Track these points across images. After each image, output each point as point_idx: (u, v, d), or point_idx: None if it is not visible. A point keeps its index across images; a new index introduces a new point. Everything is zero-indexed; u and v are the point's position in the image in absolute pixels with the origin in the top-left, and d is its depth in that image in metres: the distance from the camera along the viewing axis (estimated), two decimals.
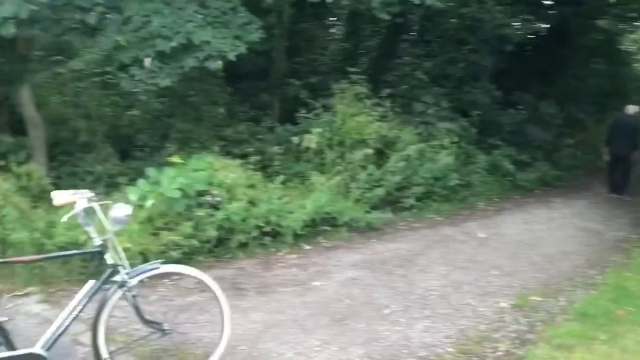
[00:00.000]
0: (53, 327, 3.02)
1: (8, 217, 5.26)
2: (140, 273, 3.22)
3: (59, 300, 4.57)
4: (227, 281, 5.26)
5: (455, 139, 8.75)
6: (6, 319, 4.22)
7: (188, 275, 3.47)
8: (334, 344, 4.06)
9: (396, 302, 4.85)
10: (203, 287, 3.51)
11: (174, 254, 5.23)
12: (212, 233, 5.53)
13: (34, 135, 7.28)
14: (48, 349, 2.95)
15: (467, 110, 10.40)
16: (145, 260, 5.02)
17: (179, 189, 5.30)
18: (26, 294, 4.78)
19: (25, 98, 7.05)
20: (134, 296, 3.19)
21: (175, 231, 5.36)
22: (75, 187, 6.67)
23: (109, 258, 3.13)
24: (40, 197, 6.07)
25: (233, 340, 4.02)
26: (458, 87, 11.14)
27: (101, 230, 3.17)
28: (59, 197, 3.04)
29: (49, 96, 8.53)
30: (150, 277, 3.35)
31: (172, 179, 5.35)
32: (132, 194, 5.27)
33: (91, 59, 9.68)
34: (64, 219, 3.10)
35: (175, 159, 5.97)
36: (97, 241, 3.11)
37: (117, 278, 3.13)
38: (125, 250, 4.69)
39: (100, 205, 3.13)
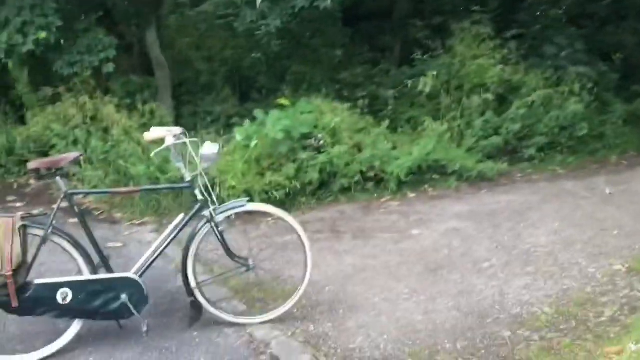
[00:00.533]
0: (146, 255, 3.24)
1: (130, 151, 5.68)
2: (227, 209, 3.32)
3: None
4: (326, 223, 5.32)
5: (589, 85, 7.95)
6: (121, 244, 4.66)
7: (273, 215, 3.52)
8: (423, 293, 3.96)
9: (497, 256, 4.61)
10: (287, 228, 3.55)
11: (277, 194, 5.36)
12: (314, 176, 5.58)
13: (159, 76, 7.71)
14: (141, 275, 3.17)
15: (610, 53, 9.38)
16: (249, 198, 5.21)
17: (282, 130, 5.36)
18: (142, 223, 5.18)
19: (152, 39, 7.43)
20: (221, 231, 3.31)
21: (279, 172, 5.47)
22: (195, 126, 7.06)
23: (198, 194, 3.26)
24: None
25: (322, 280, 4.10)
26: (600, 28, 10.04)
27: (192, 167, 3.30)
28: (149, 133, 3.18)
29: (178, 38, 8.91)
30: (238, 214, 3.42)
31: (277, 120, 5.43)
32: (239, 134, 5.43)
33: (220, 1, 9.96)
34: (153, 154, 3.27)
35: (284, 101, 6.04)
36: (187, 177, 3.24)
37: (205, 213, 3.25)
38: (231, 188, 4.92)
39: (191, 142, 3.23)
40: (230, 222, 3.47)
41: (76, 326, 3.10)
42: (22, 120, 6.82)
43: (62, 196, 3.07)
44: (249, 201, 5.02)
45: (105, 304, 3.05)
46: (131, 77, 7.60)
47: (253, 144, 5.34)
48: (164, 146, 3.14)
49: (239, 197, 5.18)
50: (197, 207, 3.27)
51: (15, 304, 2.86)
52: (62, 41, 5.72)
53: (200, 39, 9.14)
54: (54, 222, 3.00)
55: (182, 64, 8.29)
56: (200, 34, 9.30)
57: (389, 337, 3.36)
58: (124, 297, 3.07)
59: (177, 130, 3.27)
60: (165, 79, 7.67)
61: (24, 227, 2.87)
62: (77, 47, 5.73)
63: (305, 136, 5.82)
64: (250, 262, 3.43)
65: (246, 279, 3.97)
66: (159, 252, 3.25)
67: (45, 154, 6.19)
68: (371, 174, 5.98)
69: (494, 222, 5.38)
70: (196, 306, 3.35)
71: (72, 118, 6.08)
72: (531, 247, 4.81)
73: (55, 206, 3.07)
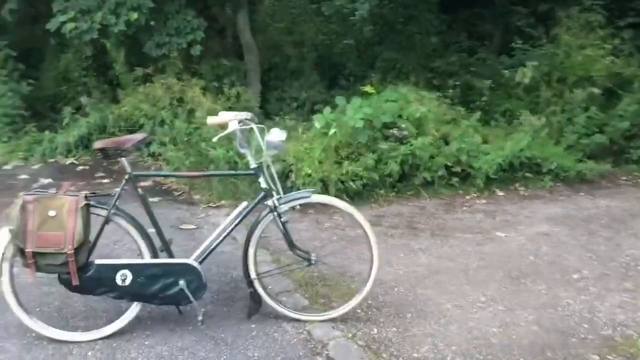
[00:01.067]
0: (207, 242, 3.16)
1: (212, 134, 5.68)
2: (291, 200, 3.17)
3: None
4: (403, 218, 5.07)
5: None
6: (195, 227, 4.66)
7: (338, 208, 3.33)
8: (501, 302, 3.64)
9: (590, 268, 4.17)
10: (354, 222, 3.35)
11: (353, 184, 5.17)
12: (394, 167, 5.33)
13: (248, 60, 7.71)
14: (200, 262, 3.10)
15: None
16: (325, 187, 5.06)
17: (363, 119, 5.14)
18: (218, 207, 5.18)
19: (243, 23, 7.43)
20: (284, 222, 3.17)
21: (357, 162, 5.27)
22: (280, 111, 6.99)
23: (262, 182, 3.13)
24: None
25: (392, 280, 3.88)
26: None
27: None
28: (212, 117, 3.08)
29: (271, 22, 8.89)
30: (302, 206, 3.26)
31: (358, 108, 5.22)
32: (318, 121, 5.28)
33: None
34: (215, 139, 3.18)
35: (368, 88, 5.81)
36: (253, 164, 3.12)
37: (269, 202, 3.12)
38: (306, 176, 4.78)
39: (258, 128, 3.10)
40: (296, 213, 3.29)
41: (135, 308, 3.08)
42: (117, 100, 7.05)
43: (125, 177, 3.04)
44: (321, 191, 4.98)
45: (163, 289, 3.01)
46: (221, 60, 7.65)
47: (331, 132, 5.16)
48: (226, 131, 3.04)
49: (314, 185, 5.06)
50: (260, 195, 3.15)
51: (75, 282, 2.87)
52: (152, 22, 5.81)
53: (293, 24, 9.06)
54: (117, 203, 2.99)
55: (272, 49, 8.26)
56: (292, 18, 9.23)
57: (458, 349, 3.10)
58: (182, 283, 3.01)
59: (245, 115, 3.15)
60: (254, 63, 7.66)
61: (87, 206, 2.86)
62: (167, 29, 5.80)
63: (388, 125, 5.57)
64: (313, 256, 3.26)
65: (312, 272, 3.84)
66: (219, 239, 3.16)
67: (132, 133, 6.37)
68: (457, 168, 5.65)
69: (590, 228, 4.91)
70: (256, 298, 3.24)
71: (160, 99, 6.20)
72: (631, 260, 4.33)
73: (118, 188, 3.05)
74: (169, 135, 5.96)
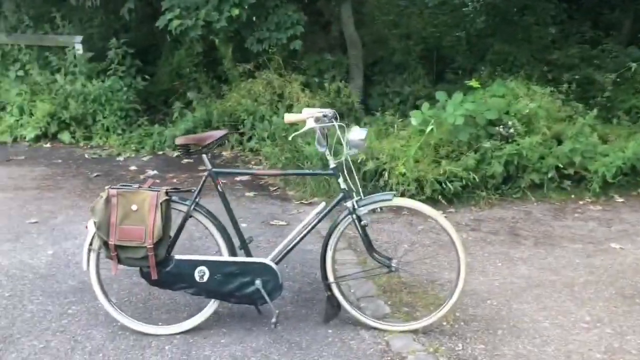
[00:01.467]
0: (284, 243, 3.08)
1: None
2: (371, 202, 3.00)
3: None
4: (505, 223, 4.72)
5: None
6: (285, 223, 4.62)
7: (422, 213, 3.11)
8: (609, 324, 3.24)
9: None
10: (439, 228, 3.12)
11: (452, 185, 4.88)
12: (498, 168, 4.96)
13: (352, 54, 7.59)
14: (277, 262, 3.02)
15: None
16: (420, 188, 4.84)
17: (463, 115, 4.83)
18: (310, 204, 5.11)
19: (346, 16, 7.31)
20: (363, 225, 3.01)
21: (457, 162, 4.98)
22: (381, 106, 6.80)
23: (341, 182, 3.00)
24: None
25: (485, 291, 3.60)
26: None
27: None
28: (289, 115, 2.99)
29: (377, 16, 8.71)
30: (383, 209, 3.09)
31: (458, 104, 4.91)
32: (414, 117, 5.04)
33: None
34: (291, 137, 3.08)
35: (474, 82, 5.47)
36: (332, 163, 2.99)
37: (348, 204, 2.98)
38: (400, 175, 4.58)
39: (339, 126, 2.96)
40: (389, 214, 3.12)
41: (213, 305, 3.08)
42: (222, 95, 7.22)
43: (206, 174, 3.03)
44: (416, 191, 4.75)
45: (240, 288, 2.97)
46: (324, 55, 7.59)
47: (429, 129, 4.91)
48: (303, 129, 2.93)
49: (408, 185, 4.85)
50: (339, 196, 3.02)
51: (154, 276, 2.91)
52: (254, 18, 5.85)
53: (400, 16, 8.81)
54: (197, 199, 2.99)
55: (377, 43, 8.06)
56: (400, 11, 8.97)
57: None
58: (258, 282, 2.95)
59: (325, 112, 3.02)
60: (357, 58, 7.52)
61: (167, 202, 2.88)
62: (267, 24, 5.82)
63: (493, 123, 5.21)
64: (394, 262, 3.07)
65: (398, 278, 3.66)
66: (296, 240, 3.07)
67: (235, 128, 6.49)
68: (570, 170, 5.16)
69: None
70: (333, 302, 3.12)
71: (260, 94, 6.25)
72: None
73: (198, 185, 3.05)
74: (267, 130, 5.99)
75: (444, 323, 3.23)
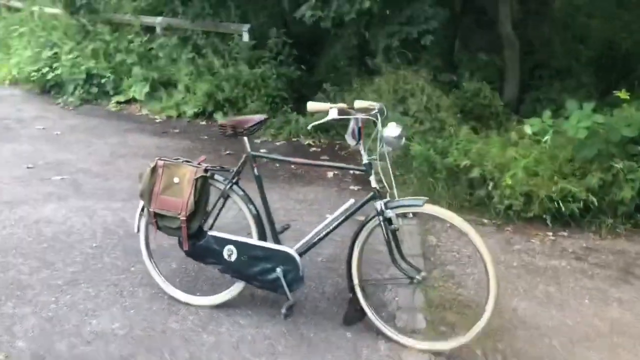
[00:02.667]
0: (309, 236, 3.01)
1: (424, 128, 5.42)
2: (400, 206, 2.79)
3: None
4: (622, 258, 4.04)
5: None
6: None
7: (451, 224, 2.79)
8: None
9: None
10: (469, 243, 2.78)
11: (567, 206, 4.30)
12: (628, 193, 4.24)
13: (507, 55, 7.06)
14: (300, 254, 2.97)
15: None
16: (527, 203, 4.36)
17: (588, 129, 4.21)
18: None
19: (504, 15, 6.82)
20: (393, 230, 2.81)
21: (576, 180, 4.36)
22: (533, 113, 6.25)
23: (372, 180, 2.84)
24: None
25: (549, 328, 3.16)
26: None
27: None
28: (312, 103, 2.88)
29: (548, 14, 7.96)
30: (414, 215, 2.84)
31: (585, 115, 4.28)
32: (531, 125, 4.52)
33: None
34: (309, 126, 2.98)
35: (622, 93, 4.73)
36: (365, 159, 2.84)
37: (377, 204, 2.81)
38: (507, 187, 4.19)
39: (375, 122, 2.80)
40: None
41: (239, 285, 3.14)
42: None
43: (244, 156, 3.09)
44: (522, 207, 4.27)
45: (262, 273, 2.99)
46: (478, 54, 7.17)
47: (545, 139, 4.37)
48: (324, 119, 2.82)
49: (515, 199, 4.39)
50: (369, 195, 2.86)
51: (186, 247, 3.06)
52: (387, 11, 5.74)
53: (571, 16, 7.92)
54: (234, 180, 3.06)
55: (536, 44, 7.37)
56: (571, 9, 8.06)
57: None
58: (278, 270, 2.94)
59: (376, 105, 2.87)
60: (513, 60, 6.97)
61: (204, 178, 3.00)
62: (399, 18, 5.66)
63: (635, 141, 4.45)
64: (418, 275, 2.82)
65: (433, 291, 3.37)
66: (322, 234, 2.99)
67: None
68: None
69: None
70: (356, 305, 2.98)
71: (386, 90, 6.13)
72: None
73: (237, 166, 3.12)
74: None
75: (477, 351, 2.89)
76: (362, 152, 2.85)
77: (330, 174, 5.60)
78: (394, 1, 5.71)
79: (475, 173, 4.55)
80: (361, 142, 2.83)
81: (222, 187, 3.08)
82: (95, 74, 8.51)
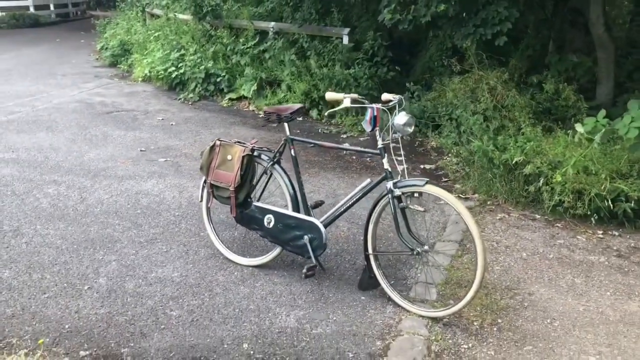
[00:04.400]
0: (333, 210, 3.47)
1: (494, 127, 5.60)
2: (404, 186, 3.14)
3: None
4: None
5: None
6: (423, 209, 4.85)
7: (448, 204, 3.08)
8: None
9: None
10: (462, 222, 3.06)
11: (618, 205, 4.34)
12: None
13: (600, 57, 6.92)
14: (326, 225, 3.44)
15: None
16: (577, 201, 4.47)
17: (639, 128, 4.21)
18: (467, 198, 5.14)
19: (595, 15, 6.72)
20: (403, 207, 3.18)
21: (630, 180, 4.37)
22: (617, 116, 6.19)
23: (385, 162, 3.23)
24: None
25: (556, 312, 3.37)
26: None
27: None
28: (329, 92, 3.30)
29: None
30: (420, 195, 3.17)
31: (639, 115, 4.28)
32: (582, 124, 4.57)
33: None
34: (326, 113, 3.40)
35: None
36: (379, 144, 3.24)
37: (388, 184, 3.20)
38: (557, 183, 4.36)
39: (390, 110, 3.20)
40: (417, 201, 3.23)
41: (275, 250, 3.68)
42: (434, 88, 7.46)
43: (283, 139, 3.61)
44: (572, 203, 4.37)
45: (293, 239, 3.49)
46: (569, 55, 7.11)
47: (596, 137, 4.41)
48: (338, 107, 3.25)
49: (566, 196, 4.50)
50: (382, 176, 3.25)
51: (233, 213, 3.65)
52: (464, 14, 5.95)
53: None
54: (275, 159, 3.60)
55: (631, 45, 7.12)
56: None
57: None
58: (306, 238, 3.43)
59: (396, 97, 3.27)
60: (607, 62, 6.82)
61: (250, 157, 3.58)
62: (475, 20, 5.85)
63: None
64: (419, 247, 3.17)
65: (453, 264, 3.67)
66: (343, 209, 3.44)
67: (432, 119, 6.77)
68: None
69: None
70: (371, 272, 3.39)
71: (461, 90, 6.33)
72: None
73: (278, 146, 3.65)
74: (452, 126, 6.10)
75: (474, 322, 3.18)
76: (378, 137, 3.25)
77: (400, 167, 5.93)
78: (469, 3, 5.91)
79: (528, 169, 4.70)
80: (377, 128, 3.23)
81: (263, 164, 3.63)
82: (212, 74, 9.52)
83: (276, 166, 3.61)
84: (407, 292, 3.47)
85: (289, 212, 3.55)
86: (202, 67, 9.55)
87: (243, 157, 3.56)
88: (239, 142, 3.69)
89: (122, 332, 3.06)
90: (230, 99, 9.22)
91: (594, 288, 3.62)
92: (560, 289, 3.60)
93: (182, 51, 10.30)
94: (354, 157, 6.30)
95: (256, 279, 3.63)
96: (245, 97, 9.11)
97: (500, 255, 4.07)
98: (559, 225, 4.56)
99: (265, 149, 3.70)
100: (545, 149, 4.73)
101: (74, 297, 3.39)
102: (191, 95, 9.41)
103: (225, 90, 9.41)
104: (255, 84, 8.96)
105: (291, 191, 3.57)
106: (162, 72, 9.93)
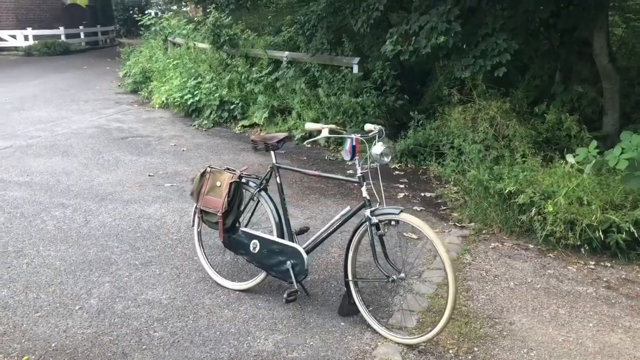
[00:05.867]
0: (314, 236, 3.56)
1: (483, 156, 5.65)
2: (380, 214, 3.22)
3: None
4: None
5: None
6: (416, 237, 4.90)
7: (421, 232, 3.13)
8: None
9: None
10: (435, 252, 3.11)
11: (610, 236, 4.34)
12: None
13: (605, 87, 6.94)
14: (307, 251, 3.52)
15: None
16: (569, 231, 4.48)
17: (630, 159, 4.22)
18: (462, 227, 5.18)
19: (599, 46, 6.77)
20: (381, 235, 3.25)
21: (623, 212, 4.37)
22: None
23: (363, 191, 3.32)
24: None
25: (535, 342, 3.36)
26: None
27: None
28: (308, 123, 3.42)
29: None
30: (404, 223, 3.24)
31: (632, 146, 4.29)
32: (573, 155, 4.60)
33: None
34: (305, 142, 3.50)
35: None
36: (358, 172, 3.34)
37: (366, 212, 3.28)
38: (549, 213, 4.39)
39: (368, 140, 3.30)
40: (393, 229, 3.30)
41: (261, 275, 3.77)
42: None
43: (269, 167, 3.73)
44: (564, 233, 4.38)
45: (277, 264, 3.58)
46: (574, 86, 7.14)
47: (587, 169, 4.43)
48: (317, 137, 3.36)
49: (557, 226, 4.52)
50: (360, 204, 3.34)
51: (221, 239, 3.77)
52: (464, 45, 6.05)
53: None
54: (262, 186, 3.72)
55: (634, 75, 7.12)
56: None
57: None
58: (288, 263, 3.52)
59: (373, 127, 3.38)
60: (612, 92, 6.84)
61: (237, 184, 3.70)
62: (474, 51, 5.95)
63: None
64: (395, 275, 3.24)
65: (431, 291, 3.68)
66: (324, 235, 3.52)
67: (436, 147, 6.84)
68: None
69: None
70: (351, 299, 3.45)
71: (461, 119, 6.40)
72: None
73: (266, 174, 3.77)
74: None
75: (450, 350, 3.21)
76: (357, 166, 3.35)
77: (400, 195, 6.03)
78: (469, 36, 6.02)
79: (521, 199, 4.73)
80: (356, 158, 3.33)
81: (251, 190, 3.75)
82: (227, 101, 9.77)
83: (262, 193, 3.73)
84: (388, 318, 3.52)
85: (274, 237, 3.65)
86: (217, 94, 9.81)
87: (230, 183, 3.68)
88: (228, 169, 3.82)
89: (105, 351, 3.17)
90: (243, 126, 9.42)
91: (577, 319, 3.62)
92: (543, 319, 3.61)
93: (199, 79, 10.60)
94: (355, 185, 6.37)
95: (241, 302, 3.72)
96: (257, 125, 9.30)
97: (488, 284, 4.09)
98: (551, 255, 4.56)
99: (254, 176, 3.82)
100: (538, 179, 4.76)
101: (64, 316, 3.52)
102: (205, 122, 9.66)
103: (238, 117, 9.64)
104: (267, 112, 9.15)
105: (276, 217, 3.67)
106: (179, 99, 10.22)
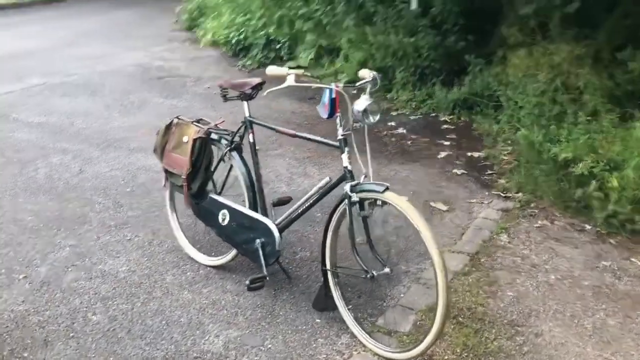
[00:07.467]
0: (289, 212, 2.84)
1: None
2: (363, 190, 2.44)
3: None
4: None
5: None
6: (446, 209, 4.11)
7: (406, 216, 2.32)
8: None
9: None
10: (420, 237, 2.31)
11: None
12: None
13: None
14: (280, 229, 2.82)
15: None
16: (637, 213, 3.52)
17: None
18: (505, 197, 4.30)
19: None
20: (364, 216, 2.49)
21: None
22: None
23: (344, 158, 2.54)
24: None
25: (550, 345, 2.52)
26: None
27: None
28: (271, 68, 2.64)
29: None
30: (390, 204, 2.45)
31: None
32: None
33: None
34: (265, 93, 2.71)
35: None
36: (339, 135, 2.56)
37: (346, 186, 2.52)
38: (613, 189, 3.48)
39: (349, 94, 2.50)
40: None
41: (231, 253, 3.13)
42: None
43: (242, 120, 3.02)
44: (627, 215, 3.44)
45: (245, 242, 2.93)
46: None
47: None
48: (280, 86, 2.59)
49: (622, 205, 3.56)
50: (340, 175, 2.58)
51: (185, 202, 3.14)
52: None
53: None
54: (233, 144, 3.02)
55: None
56: None
57: None
58: (258, 242, 2.85)
59: (369, 74, 2.57)
60: None
61: (203, 140, 3.02)
62: None
63: None
64: (376, 271, 2.48)
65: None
66: (299, 212, 2.80)
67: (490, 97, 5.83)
68: None
69: None
70: (328, 291, 2.75)
71: (520, 65, 5.34)
72: None
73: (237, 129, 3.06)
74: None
75: (451, 353, 2.47)
76: (338, 126, 2.56)
77: (442, 154, 5.16)
78: None
79: (579, 169, 3.76)
80: (337, 114, 2.54)
81: (220, 148, 3.06)
82: (273, 40, 9.00)
83: (234, 153, 3.03)
84: (377, 317, 2.79)
85: (243, 208, 2.97)
86: (263, 32, 9.05)
87: (195, 140, 3.01)
88: (200, 120, 3.14)
89: (26, 337, 2.67)
90: (289, 68, 8.65)
91: (632, 334, 2.74)
92: (583, 332, 2.76)
93: (249, 15, 9.85)
94: (392, 140, 5.56)
95: (207, 282, 3.12)
96: (302, 67, 8.50)
97: (520, 276, 3.25)
98: (612, 241, 3.62)
99: (230, 131, 3.11)
100: (603, 144, 3.75)
101: (3, 286, 3.06)
102: (249, 62, 8.99)
103: (285, 58, 8.88)
104: (313, 52, 8.33)
105: (248, 184, 2.98)
106: (224, 37, 9.56)
